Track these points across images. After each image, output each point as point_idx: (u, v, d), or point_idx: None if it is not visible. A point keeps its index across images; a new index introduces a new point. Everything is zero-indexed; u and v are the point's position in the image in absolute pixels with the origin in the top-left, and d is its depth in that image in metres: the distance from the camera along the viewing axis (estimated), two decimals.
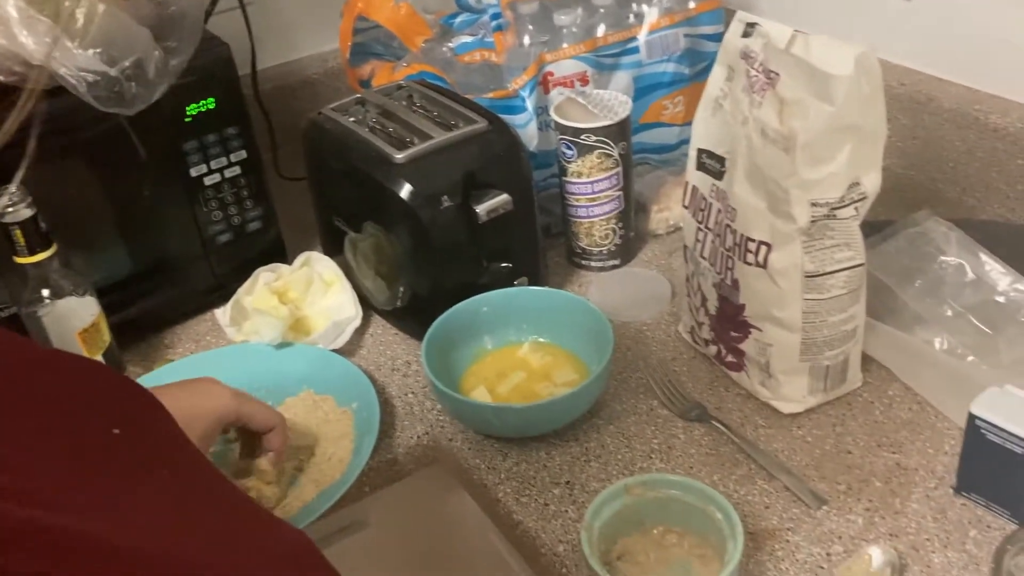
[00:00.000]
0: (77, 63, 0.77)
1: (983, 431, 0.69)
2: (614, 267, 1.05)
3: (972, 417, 0.69)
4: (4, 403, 0.33)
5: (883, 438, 0.79)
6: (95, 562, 0.28)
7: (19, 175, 0.69)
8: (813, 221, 0.73)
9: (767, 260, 0.76)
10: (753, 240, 0.76)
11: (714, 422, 0.82)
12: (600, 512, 0.70)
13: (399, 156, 0.88)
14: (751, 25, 0.74)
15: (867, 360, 0.85)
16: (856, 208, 0.74)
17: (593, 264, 1.05)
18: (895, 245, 0.92)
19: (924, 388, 0.83)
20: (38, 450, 0.31)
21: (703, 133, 0.81)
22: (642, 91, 1.10)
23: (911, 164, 1.08)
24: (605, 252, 1.04)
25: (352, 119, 0.96)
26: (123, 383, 0.41)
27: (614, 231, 1.03)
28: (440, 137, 0.90)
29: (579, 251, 1.05)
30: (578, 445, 0.82)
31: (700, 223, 0.83)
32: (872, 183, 0.73)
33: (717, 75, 0.78)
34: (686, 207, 0.85)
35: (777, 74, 0.71)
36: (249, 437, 0.79)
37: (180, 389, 0.74)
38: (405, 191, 0.87)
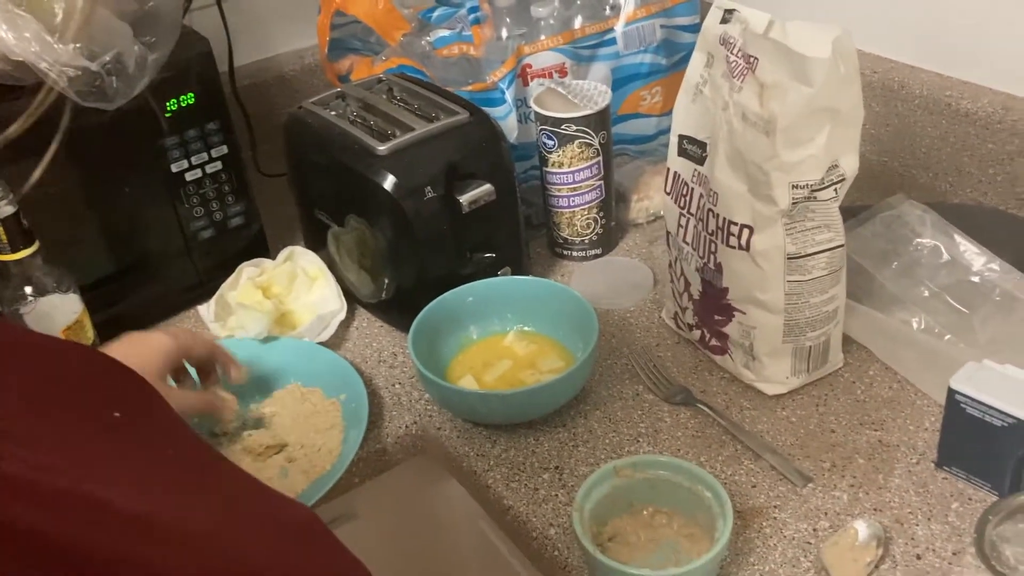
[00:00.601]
0: (58, 58, 0.76)
1: (963, 405, 0.70)
2: (596, 256, 1.06)
3: (952, 391, 0.71)
4: (11, 382, 0.33)
5: (865, 416, 0.81)
6: (113, 526, 0.28)
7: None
8: (794, 203, 0.74)
9: (749, 243, 0.77)
10: (735, 223, 0.77)
11: (700, 405, 0.83)
12: (590, 494, 0.70)
13: (382, 148, 0.89)
14: (729, 11, 0.75)
15: (847, 341, 0.87)
16: (835, 190, 0.75)
17: (575, 254, 1.06)
18: (871, 229, 0.94)
19: (903, 367, 0.85)
20: (50, 425, 0.32)
21: (684, 119, 0.82)
22: (620, 82, 1.11)
23: (885, 150, 1.10)
24: (587, 242, 1.05)
25: (333, 112, 0.97)
26: (118, 368, 0.41)
27: (595, 220, 1.04)
28: (422, 129, 0.91)
29: (561, 241, 1.06)
30: (566, 431, 0.83)
31: (682, 208, 0.84)
32: (850, 165, 0.75)
33: (697, 61, 0.79)
34: (668, 193, 0.86)
35: (756, 58, 0.72)
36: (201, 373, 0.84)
37: (123, 346, 0.77)
38: (389, 183, 0.87)
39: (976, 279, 0.89)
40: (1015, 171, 0.99)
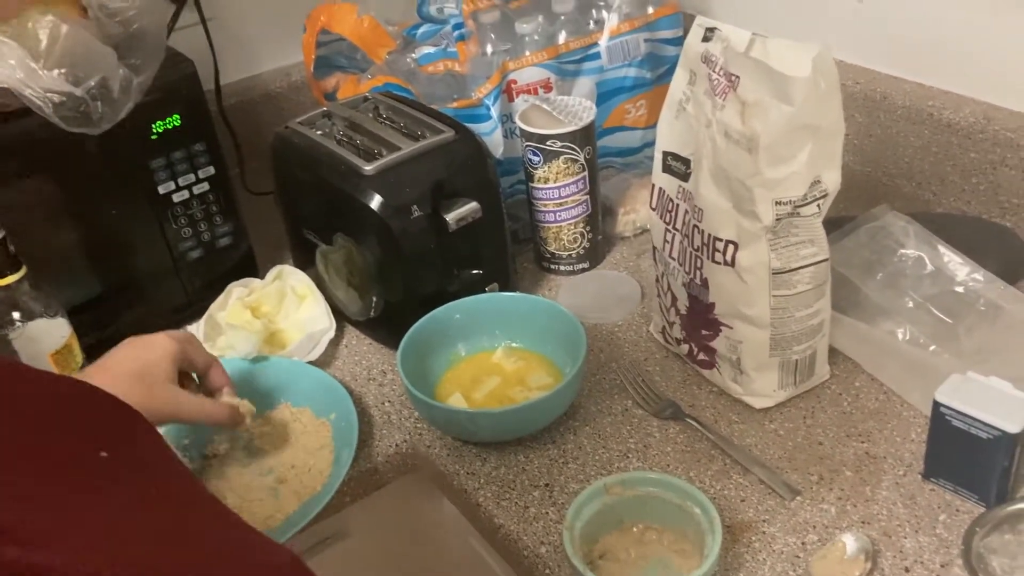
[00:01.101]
0: (42, 84, 0.77)
1: (948, 417, 0.71)
2: (583, 270, 1.06)
3: (937, 404, 0.71)
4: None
5: (852, 428, 0.81)
6: None
7: None
8: (778, 219, 0.75)
9: (735, 258, 0.77)
10: (720, 239, 0.78)
11: (688, 419, 0.83)
12: (581, 512, 0.71)
13: (368, 168, 0.89)
14: (711, 30, 0.76)
15: (834, 353, 0.87)
16: (818, 205, 0.76)
17: (563, 268, 1.06)
18: (856, 240, 0.95)
19: (889, 378, 0.86)
20: (21, 483, 0.31)
21: (668, 136, 0.82)
22: (604, 96, 1.12)
23: (869, 161, 1.11)
24: (574, 256, 1.05)
25: (319, 132, 0.97)
26: (108, 402, 0.40)
27: (582, 235, 1.04)
28: (408, 148, 0.91)
29: (548, 256, 1.06)
30: (555, 447, 0.83)
31: (668, 224, 0.84)
32: (833, 180, 0.75)
33: (680, 79, 0.80)
34: (653, 209, 0.86)
35: (738, 77, 0.73)
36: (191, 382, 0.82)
37: (128, 349, 0.75)
38: (375, 202, 0.88)
39: (960, 289, 0.90)
40: (998, 180, 1.00)
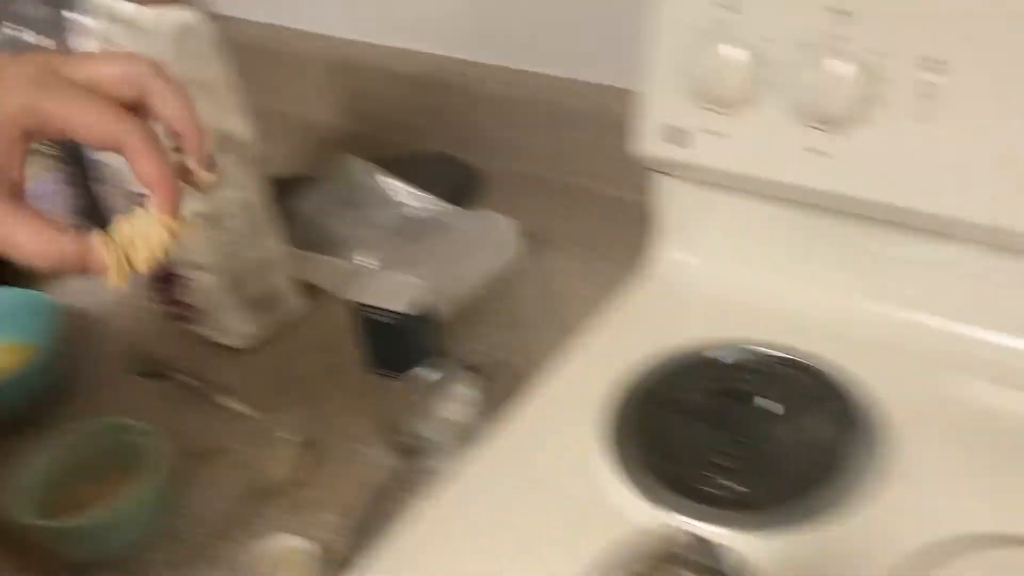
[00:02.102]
0: None
1: (363, 313, 0.82)
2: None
3: (353, 303, 0.82)
4: None
5: (320, 347, 0.91)
6: None
7: None
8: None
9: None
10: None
11: (175, 374, 0.89)
12: (31, 470, 0.73)
13: None
14: (98, 7, 0.81)
15: (312, 288, 0.97)
16: (233, 153, 0.84)
17: None
18: (326, 187, 1.06)
19: (358, 299, 0.96)
20: None
21: None
22: None
23: (348, 119, 1.24)
24: None
25: None
26: None
27: None
28: None
29: None
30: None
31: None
32: (240, 130, 0.84)
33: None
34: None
35: (121, 44, 0.79)
36: None
37: None
38: None
39: (417, 215, 1.03)
40: (446, 119, 1.16)
